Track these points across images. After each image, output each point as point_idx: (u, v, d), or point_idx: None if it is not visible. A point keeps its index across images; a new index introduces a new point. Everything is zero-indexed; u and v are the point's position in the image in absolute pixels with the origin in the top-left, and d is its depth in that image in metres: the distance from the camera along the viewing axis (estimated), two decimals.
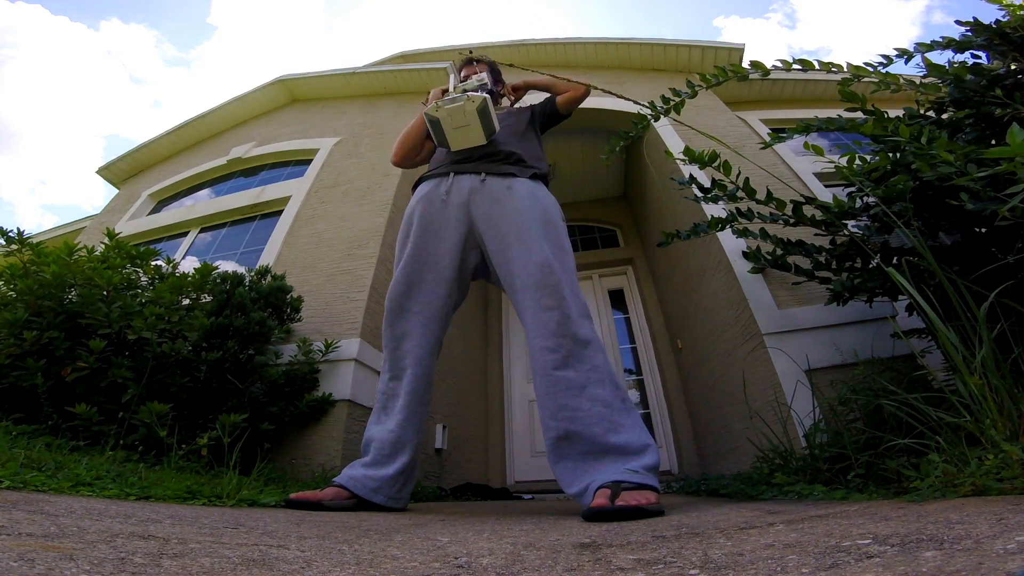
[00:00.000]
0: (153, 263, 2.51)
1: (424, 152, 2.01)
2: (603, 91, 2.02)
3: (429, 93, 2.04)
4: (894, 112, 1.63)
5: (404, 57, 5.94)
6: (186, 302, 2.44)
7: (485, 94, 1.72)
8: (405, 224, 1.81)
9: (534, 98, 3.85)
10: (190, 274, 2.45)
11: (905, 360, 1.71)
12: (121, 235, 4.48)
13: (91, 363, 1.88)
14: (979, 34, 1.55)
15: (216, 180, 5.13)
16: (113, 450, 1.69)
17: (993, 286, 1.06)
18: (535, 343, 1.44)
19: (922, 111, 1.68)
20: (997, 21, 1.52)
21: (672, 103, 1.87)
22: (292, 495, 1.49)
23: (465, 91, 1.76)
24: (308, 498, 1.46)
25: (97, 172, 5.68)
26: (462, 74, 2.21)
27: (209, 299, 2.43)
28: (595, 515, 1.03)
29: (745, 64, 1.76)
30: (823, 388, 1.98)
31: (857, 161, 1.70)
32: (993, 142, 1.42)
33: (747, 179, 1.83)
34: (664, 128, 3.80)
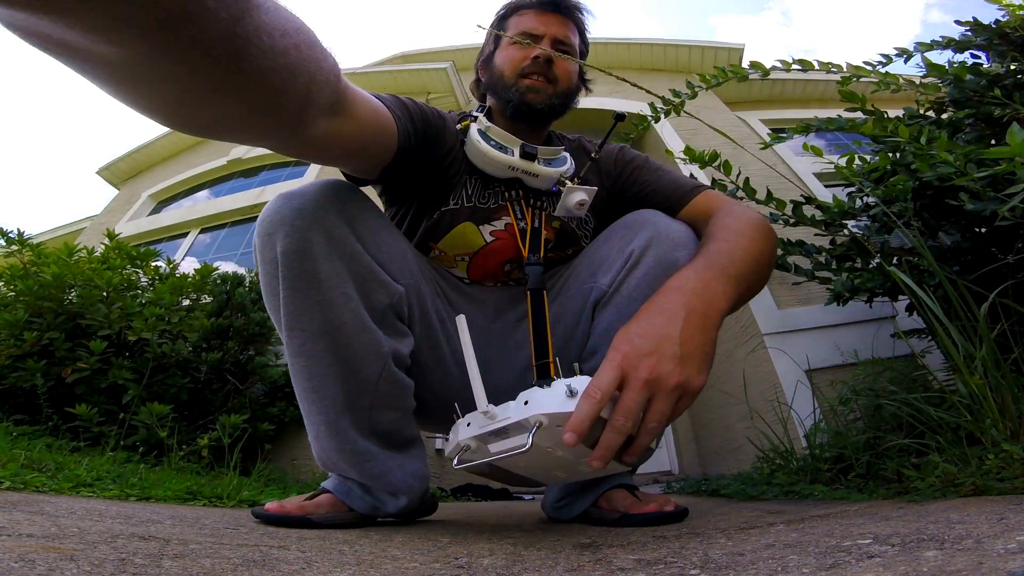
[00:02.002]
0: (153, 264, 2.52)
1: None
2: (632, 84, 1.60)
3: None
4: (894, 112, 1.63)
5: (404, 57, 5.95)
6: (186, 303, 2.44)
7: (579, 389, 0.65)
8: None
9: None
10: (190, 275, 2.45)
11: (905, 360, 1.70)
12: (121, 236, 4.47)
13: (92, 364, 1.89)
14: (979, 34, 1.54)
15: (216, 181, 5.14)
16: (114, 451, 1.69)
17: (993, 286, 1.06)
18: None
19: (922, 111, 1.68)
20: (997, 21, 1.52)
21: (672, 104, 1.86)
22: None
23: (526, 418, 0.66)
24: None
25: (97, 172, 5.68)
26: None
27: (209, 300, 2.43)
28: (666, 518, 0.87)
29: (744, 64, 1.76)
30: (823, 388, 1.98)
31: (857, 161, 1.69)
32: (993, 142, 1.42)
33: (747, 179, 1.83)
34: (664, 128, 3.80)
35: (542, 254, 1.02)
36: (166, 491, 1.32)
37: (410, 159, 0.92)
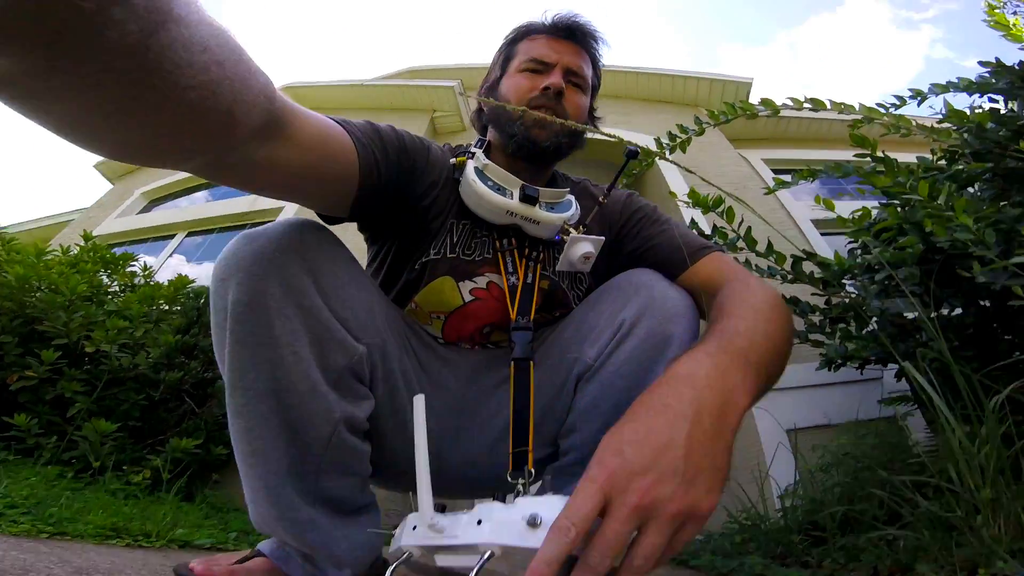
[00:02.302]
0: (128, 269, 2.43)
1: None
2: (613, 135, 1.64)
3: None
4: (903, 157, 1.53)
5: (413, 72, 5.92)
6: (156, 310, 2.34)
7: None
8: None
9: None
10: (163, 285, 2.35)
11: (888, 421, 1.64)
12: (108, 232, 4.42)
13: (40, 373, 1.78)
14: (1000, 76, 1.42)
15: (212, 183, 5.07)
16: (47, 464, 1.58)
17: (992, 363, 0.97)
18: None
19: (935, 159, 1.58)
20: (1021, 62, 1.41)
21: (678, 140, 1.77)
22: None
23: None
24: None
25: (95, 167, 5.64)
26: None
27: (179, 312, 2.34)
28: None
29: (753, 100, 1.68)
30: (804, 451, 1.90)
31: (860, 213, 1.61)
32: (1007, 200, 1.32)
33: (749, 228, 1.73)
34: (667, 165, 3.72)
35: (532, 316, 0.89)
36: (86, 526, 1.20)
37: (381, 192, 0.80)
